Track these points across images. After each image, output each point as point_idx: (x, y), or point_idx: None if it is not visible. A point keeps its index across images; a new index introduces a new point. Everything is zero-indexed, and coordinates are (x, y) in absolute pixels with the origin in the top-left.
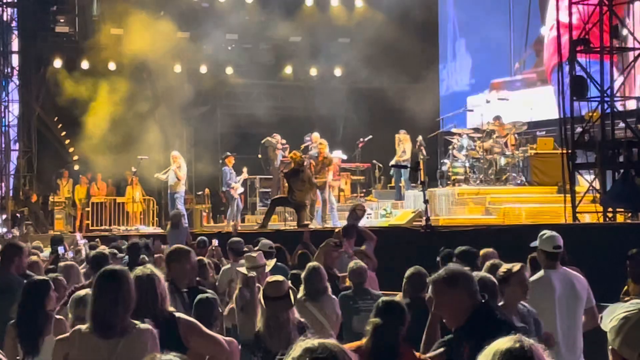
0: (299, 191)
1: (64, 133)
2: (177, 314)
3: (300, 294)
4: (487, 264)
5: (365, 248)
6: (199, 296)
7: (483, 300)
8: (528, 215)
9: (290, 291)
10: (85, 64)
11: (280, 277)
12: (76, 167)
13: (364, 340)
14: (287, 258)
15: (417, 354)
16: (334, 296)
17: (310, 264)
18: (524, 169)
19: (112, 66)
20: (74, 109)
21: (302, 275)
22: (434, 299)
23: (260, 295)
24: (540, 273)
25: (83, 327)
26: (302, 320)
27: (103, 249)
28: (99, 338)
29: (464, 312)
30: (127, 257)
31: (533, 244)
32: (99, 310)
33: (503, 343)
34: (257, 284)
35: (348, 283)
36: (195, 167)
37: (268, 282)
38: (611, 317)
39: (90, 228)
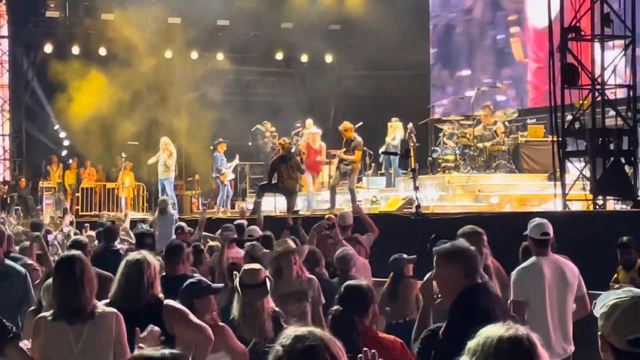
0: (288, 178)
1: (53, 118)
2: (166, 301)
3: None
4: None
5: (363, 237)
6: (187, 282)
7: (480, 282)
8: (519, 202)
9: (267, 279)
10: (75, 49)
11: (257, 265)
12: (65, 153)
13: None
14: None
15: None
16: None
17: (306, 246)
18: (514, 156)
19: (102, 51)
20: (64, 94)
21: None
22: (435, 269)
23: (237, 283)
24: (531, 260)
25: (47, 314)
26: (277, 309)
27: (90, 234)
28: (64, 324)
29: (456, 289)
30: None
31: (525, 233)
32: (62, 297)
33: (493, 330)
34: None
35: None
36: (186, 153)
37: (245, 270)
38: (602, 304)
39: (80, 214)
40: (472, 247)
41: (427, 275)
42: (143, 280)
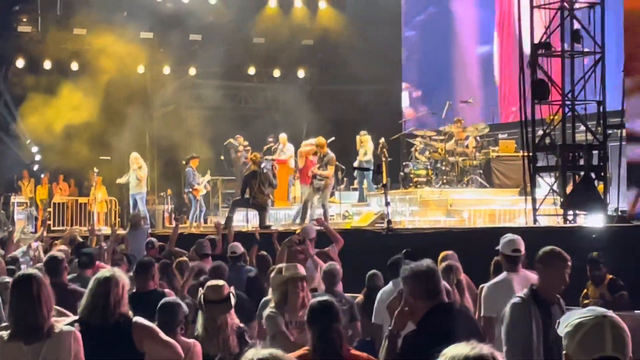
0: (259, 193)
1: (25, 133)
2: (135, 318)
3: (269, 296)
4: (442, 265)
5: (330, 250)
6: (162, 301)
7: (445, 301)
8: (490, 217)
9: (231, 295)
10: (47, 64)
11: (220, 282)
12: (37, 168)
13: (306, 348)
14: (247, 261)
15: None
16: None
17: (278, 265)
18: (485, 171)
19: (74, 66)
20: (36, 109)
21: (272, 276)
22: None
23: (200, 299)
24: (501, 276)
25: (4, 333)
26: (242, 325)
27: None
28: (21, 344)
29: (421, 310)
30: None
31: (498, 247)
32: (18, 316)
33: (458, 350)
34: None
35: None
36: (158, 168)
37: (208, 286)
38: (567, 323)
39: (52, 228)
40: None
41: (393, 295)
42: (110, 297)
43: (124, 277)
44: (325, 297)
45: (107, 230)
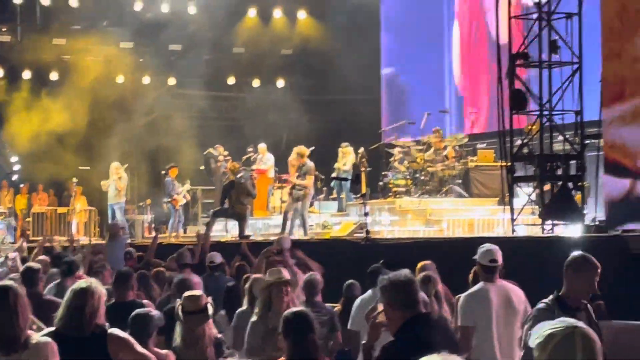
0: (238, 203)
1: (4, 143)
2: (110, 330)
3: (244, 306)
4: (420, 275)
5: (308, 260)
6: (134, 312)
7: (421, 312)
8: (469, 227)
9: (208, 305)
10: (27, 74)
11: (197, 292)
12: (16, 177)
13: (282, 359)
14: (226, 271)
15: None
16: None
17: (255, 275)
18: (464, 181)
19: (54, 76)
20: (15, 118)
21: (246, 286)
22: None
23: (178, 310)
24: (478, 285)
25: None
26: (220, 335)
27: (43, 259)
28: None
29: (398, 320)
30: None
31: (475, 257)
32: None
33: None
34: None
35: None
36: (138, 178)
37: (186, 297)
38: (537, 334)
39: (31, 239)
40: (415, 277)
41: (371, 305)
42: (86, 308)
43: (100, 288)
44: (300, 308)
45: (85, 241)
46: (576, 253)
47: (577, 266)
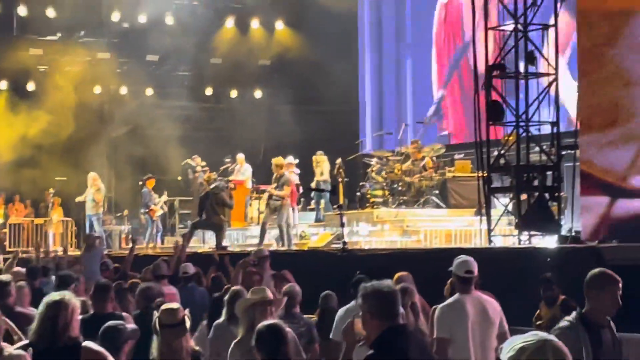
0: (214, 214)
1: None
2: (84, 343)
3: (222, 318)
4: (397, 287)
5: (285, 272)
6: (105, 324)
7: (399, 323)
8: (446, 238)
9: (186, 318)
10: (3, 84)
11: (175, 305)
12: None
13: None
14: (202, 282)
15: None
16: None
17: (234, 287)
18: (442, 191)
19: (31, 86)
20: None
21: (225, 298)
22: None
23: (156, 323)
24: (454, 297)
25: None
26: (198, 348)
27: (17, 270)
28: None
29: (375, 331)
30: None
31: (450, 269)
32: None
33: None
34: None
35: None
36: (115, 188)
37: (163, 310)
38: (509, 347)
39: (7, 250)
40: (396, 288)
41: (351, 318)
42: (58, 321)
43: (74, 301)
44: (273, 321)
45: (60, 252)
46: (595, 270)
47: (601, 283)
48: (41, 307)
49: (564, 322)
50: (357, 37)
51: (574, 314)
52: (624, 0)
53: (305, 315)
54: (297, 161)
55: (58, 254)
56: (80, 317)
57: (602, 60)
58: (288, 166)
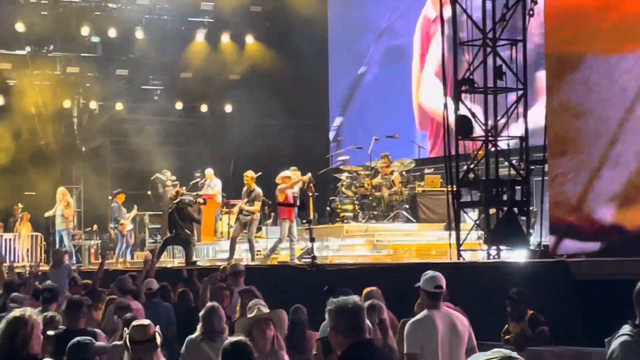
0: (181, 229)
1: None
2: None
3: (196, 334)
4: (365, 304)
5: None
6: (71, 341)
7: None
8: (416, 252)
9: (156, 334)
10: None
11: (146, 321)
12: None
13: None
14: (171, 297)
15: None
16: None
17: (210, 303)
18: (412, 206)
19: (0, 101)
20: None
21: (200, 314)
22: None
23: (127, 339)
24: (424, 313)
25: None
26: None
27: None
28: None
29: (342, 346)
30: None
31: (417, 285)
32: None
33: None
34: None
35: None
36: (85, 203)
37: (134, 326)
38: None
39: None
40: (362, 303)
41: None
42: (17, 338)
43: (35, 317)
44: (239, 338)
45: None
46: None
47: None
48: (1, 323)
49: (623, 337)
50: (328, 52)
51: (626, 327)
52: (577, 44)
53: None
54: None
55: (26, 269)
56: (52, 332)
57: (552, 92)
58: (284, 180)
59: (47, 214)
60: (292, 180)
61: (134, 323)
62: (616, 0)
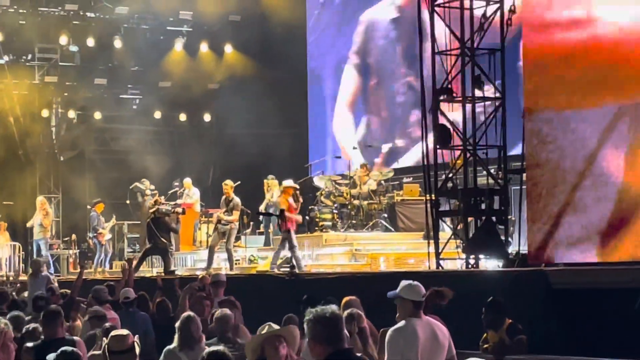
0: (159, 238)
1: None
2: None
3: (174, 344)
4: (345, 313)
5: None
6: (60, 350)
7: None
8: (395, 261)
9: (135, 344)
10: None
11: (124, 331)
12: None
13: None
14: (149, 306)
15: None
16: (206, 347)
17: (185, 313)
18: (390, 215)
19: None
20: None
21: (177, 324)
22: None
23: (105, 349)
24: (405, 321)
25: None
26: None
27: None
28: None
29: (320, 355)
30: None
31: (391, 295)
32: None
33: None
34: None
35: None
36: (63, 212)
37: (112, 336)
38: None
39: None
40: (340, 312)
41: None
42: None
43: (6, 330)
44: (218, 347)
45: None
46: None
47: None
48: None
49: None
50: (306, 60)
51: None
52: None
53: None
54: (296, 185)
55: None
56: (30, 344)
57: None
58: (287, 190)
59: (28, 224)
60: (293, 191)
61: (113, 333)
62: (581, 51)
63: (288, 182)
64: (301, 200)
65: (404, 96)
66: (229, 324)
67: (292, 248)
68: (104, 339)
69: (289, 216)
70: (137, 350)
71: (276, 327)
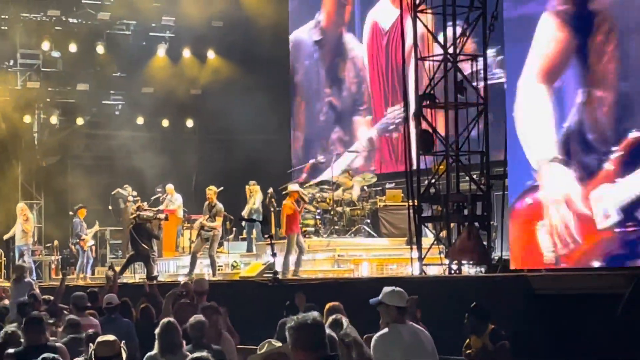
0: (140, 244)
1: None
2: None
3: (155, 351)
4: (330, 319)
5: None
6: (40, 357)
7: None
8: (377, 267)
9: (122, 350)
10: None
11: (111, 337)
12: None
13: None
14: (132, 312)
15: None
16: (187, 352)
17: (165, 319)
18: (373, 220)
19: None
20: None
21: (156, 330)
22: None
23: (91, 355)
24: (390, 327)
25: None
26: None
27: None
28: None
29: None
30: None
31: (374, 302)
32: None
33: None
34: None
35: None
36: (45, 219)
37: (99, 342)
38: None
39: None
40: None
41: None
42: None
43: None
44: (201, 354)
45: None
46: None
47: None
48: None
49: None
50: (289, 65)
51: None
52: None
53: (240, 346)
54: (301, 189)
55: None
56: (12, 350)
57: None
58: (292, 194)
59: (6, 236)
60: (298, 195)
61: (99, 339)
62: None
63: (294, 186)
64: (307, 201)
65: (326, 115)
66: (202, 330)
67: (288, 252)
68: (90, 344)
69: (293, 219)
70: (124, 355)
71: (278, 344)
